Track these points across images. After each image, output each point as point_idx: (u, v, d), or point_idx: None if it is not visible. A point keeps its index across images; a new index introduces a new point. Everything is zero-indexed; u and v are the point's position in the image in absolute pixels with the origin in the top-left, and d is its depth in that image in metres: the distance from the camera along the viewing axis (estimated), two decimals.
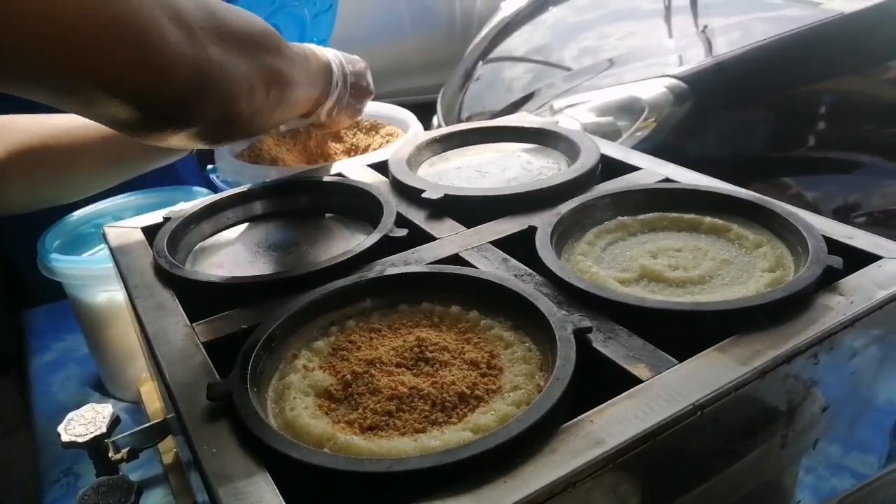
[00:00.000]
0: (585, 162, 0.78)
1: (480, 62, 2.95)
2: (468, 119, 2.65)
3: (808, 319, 0.51)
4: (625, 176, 0.78)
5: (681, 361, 0.48)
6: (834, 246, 0.60)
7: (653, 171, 0.78)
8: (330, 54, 0.87)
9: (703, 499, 0.50)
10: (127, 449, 0.77)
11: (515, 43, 2.93)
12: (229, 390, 0.47)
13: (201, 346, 0.55)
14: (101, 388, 1.03)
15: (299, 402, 0.49)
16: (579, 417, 0.44)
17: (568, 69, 2.36)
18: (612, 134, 1.71)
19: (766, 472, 0.55)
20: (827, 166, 1.92)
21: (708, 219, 0.67)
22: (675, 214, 0.68)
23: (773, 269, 0.59)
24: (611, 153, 0.82)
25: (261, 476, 0.42)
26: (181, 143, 0.61)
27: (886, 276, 0.55)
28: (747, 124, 1.84)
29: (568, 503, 0.40)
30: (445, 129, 0.92)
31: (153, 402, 0.90)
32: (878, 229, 1.96)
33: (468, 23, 4.36)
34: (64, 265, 0.90)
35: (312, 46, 0.86)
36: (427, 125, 2.80)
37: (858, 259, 0.58)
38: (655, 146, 1.72)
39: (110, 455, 0.76)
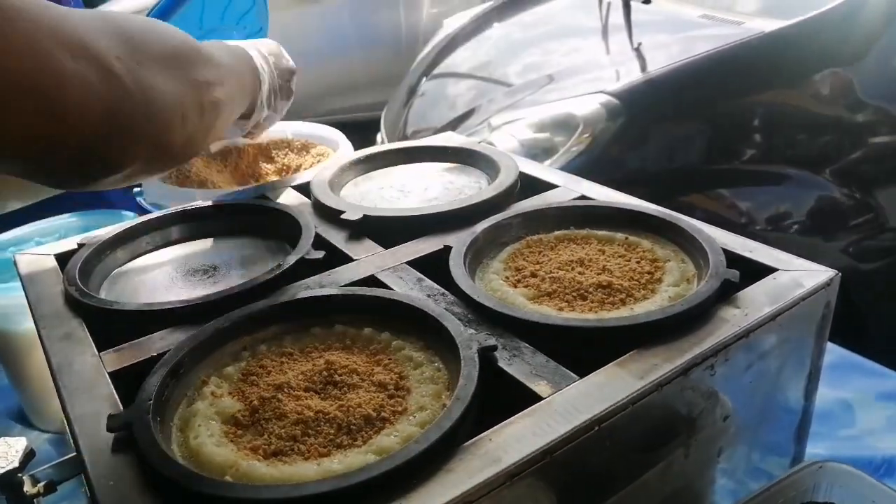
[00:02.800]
0: (504, 180, 0.79)
1: (424, 78, 2.96)
2: (412, 135, 2.67)
3: (705, 332, 0.53)
4: (543, 194, 0.80)
5: (581, 377, 0.49)
6: (735, 259, 0.62)
7: (570, 188, 0.79)
8: (254, 51, 0.81)
9: None
10: (44, 483, 0.75)
11: (460, 59, 2.96)
12: (129, 421, 0.46)
13: (107, 377, 0.54)
14: (22, 419, 1.00)
15: (204, 430, 0.48)
16: (479, 436, 0.44)
17: (509, 85, 2.39)
18: (548, 149, 1.74)
19: (673, 482, 0.56)
20: (759, 178, 1.98)
21: (619, 235, 0.69)
22: (587, 231, 0.70)
23: (677, 283, 0.61)
24: (530, 171, 0.84)
25: None
26: (119, 184, 0.59)
27: (781, 288, 0.58)
28: (681, 138, 1.89)
29: None
30: (370, 150, 0.93)
31: None
32: (809, 237, 2.02)
33: (413, 39, 4.39)
34: None
35: (241, 44, 0.80)
36: (371, 142, 2.80)
37: (758, 271, 0.61)
38: (592, 160, 1.75)
39: (25, 490, 0.73)
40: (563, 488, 0.47)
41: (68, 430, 0.50)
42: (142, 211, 1.09)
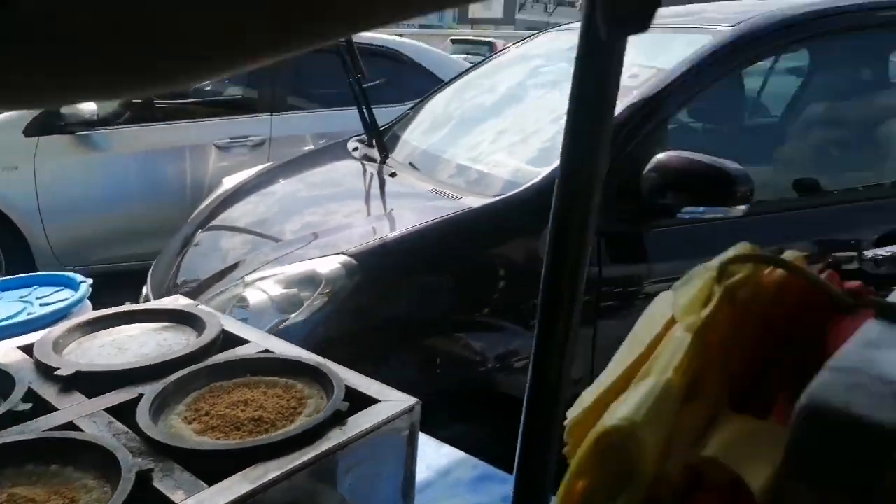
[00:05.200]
0: (205, 337, 1.00)
1: (201, 230, 3.09)
2: (182, 285, 2.76)
3: (314, 447, 0.76)
4: (238, 348, 1.01)
5: (210, 485, 0.69)
6: (354, 394, 0.87)
7: (258, 344, 1.02)
8: None
9: None
10: None
11: (240, 212, 3.13)
12: None
13: None
14: None
15: None
16: None
17: (279, 240, 2.62)
18: (296, 304, 1.98)
19: None
20: (485, 326, 2.29)
21: (282, 379, 0.91)
22: (259, 378, 0.92)
23: (311, 414, 0.84)
24: (230, 328, 1.05)
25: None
26: None
27: (376, 413, 0.82)
28: (417, 291, 2.19)
29: None
30: (97, 313, 1.09)
31: None
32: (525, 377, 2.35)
33: (198, 192, 4.54)
34: None
35: None
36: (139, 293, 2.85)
37: (369, 401, 0.86)
38: (335, 312, 1.99)
39: None
40: None
41: None
42: None
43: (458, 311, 2.17)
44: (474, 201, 2.18)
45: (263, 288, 2.00)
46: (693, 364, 0.31)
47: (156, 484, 0.69)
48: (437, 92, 3.66)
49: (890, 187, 2.70)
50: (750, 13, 2.45)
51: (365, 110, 2.94)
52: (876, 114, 2.98)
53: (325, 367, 0.92)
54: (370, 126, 2.99)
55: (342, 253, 2.04)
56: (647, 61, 2.43)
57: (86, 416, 0.82)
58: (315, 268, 2.01)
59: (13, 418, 0.80)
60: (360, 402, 0.84)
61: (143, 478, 0.69)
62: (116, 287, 2.57)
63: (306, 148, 4.64)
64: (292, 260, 2.25)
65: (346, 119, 4.66)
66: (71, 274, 1.31)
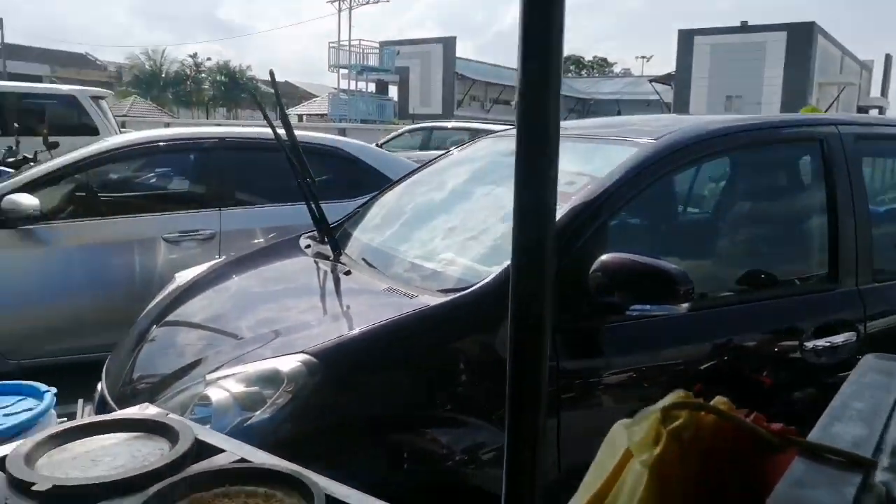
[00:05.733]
0: (179, 448, 1.02)
1: (156, 325, 3.04)
2: (139, 380, 2.70)
3: None
4: (214, 457, 1.03)
5: None
6: (334, 502, 0.90)
7: (233, 453, 1.04)
8: None
9: None
10: None
11: (195, 308, 3.09)
12: None
13: None
14: None
15: None
16: None
17: (239, 338, 2.60)
18: (259, 402, 1.98)
19: None
20: (450, 421, 2.26)
21: (262, 489, 0.94)
22: (238, 487, 0.94)
23: None
24: (204, 438, 1.07)
25: None
26: None
27: None
28: (382, 388, 2.19)
29: None
30: (67, 425, 1.09)
31: None
32: None
33: (147, 285, 4.47)
34: None
35: None
36: (93, 388, 2.77)
37: None
38: (299, 409, 1.99)
39: None
40: None
41: None
42: None
43: (421, 407, 2.18)
44: (430, 299, 2.25)
45: (225, 386, 2.00)
46: (651, 497, 0.37)
47: None
48: (387, 190, 3.78)
49: (818, 281, 2.89)
50: (671, 128, 2.68)
51: (315, 210, 3.01)
52: (796, 213, 3.23)
53: (303, 476, 0.95)
54: (322, 227, 3.07)
55: (303, 352, 2.06)
56: (580, 169, 2.62)
57: None
58: (277, 366, 2.02)
59: None
60: None
61: None
62: (66, 380, 2.49)
63: (256, 241, 4.65)
64: (253, 358, 2.25)
65: (295, 213, 4.68)
66: (34, 383, 1.30)
